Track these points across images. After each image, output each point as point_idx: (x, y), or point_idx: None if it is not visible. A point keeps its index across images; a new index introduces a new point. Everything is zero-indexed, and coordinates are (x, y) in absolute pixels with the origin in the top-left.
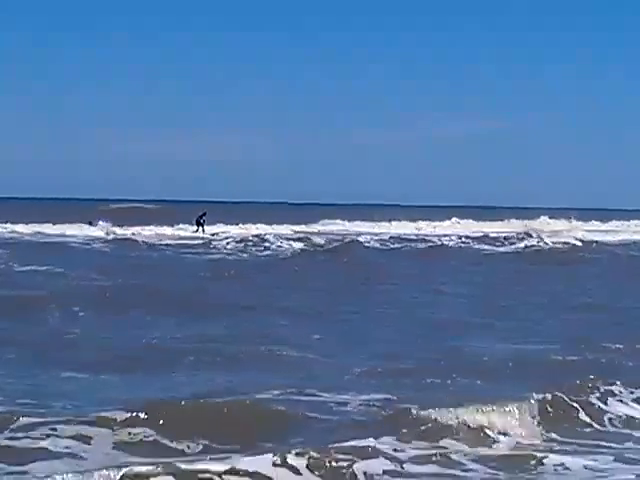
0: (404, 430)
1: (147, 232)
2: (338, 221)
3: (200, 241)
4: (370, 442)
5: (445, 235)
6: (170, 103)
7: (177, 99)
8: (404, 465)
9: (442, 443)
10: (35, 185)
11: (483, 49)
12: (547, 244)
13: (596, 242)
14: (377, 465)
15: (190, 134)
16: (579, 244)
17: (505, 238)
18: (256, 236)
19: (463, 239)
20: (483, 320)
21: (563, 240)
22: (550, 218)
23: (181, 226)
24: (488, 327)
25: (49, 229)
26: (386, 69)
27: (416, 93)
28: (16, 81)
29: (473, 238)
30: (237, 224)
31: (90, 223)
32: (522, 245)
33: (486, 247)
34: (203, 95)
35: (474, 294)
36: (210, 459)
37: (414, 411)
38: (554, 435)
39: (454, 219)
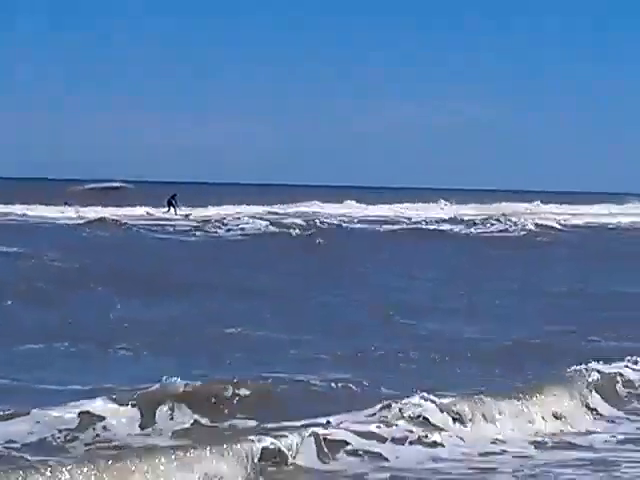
0: (363, 408)
1: (119, 212)
2: (315, 202)
3: (171, 222)
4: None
5: (420, 218)
6: (170, 89)
7: (177, 85)
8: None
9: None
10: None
11: (483, 37)
12: (517, 227)
13: (555, 227)
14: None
15: (191, 119)
16: (557, 226)
17: (474, 222)
18: (223, 217)
19: (438, 222)
20: (451, 304)
21: (538, 223)
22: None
23: (147, 207)
24: (455, 312)
25: (17, 210)
26: (386, 56)
27: (416, 80)
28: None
29: (447, 220)
30: (213, 205)
31: (66, 204)
32: (495, 228)
33: (464, 230)
34: (203, 81)
35: (445, 278)
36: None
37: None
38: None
39: (441, 202)
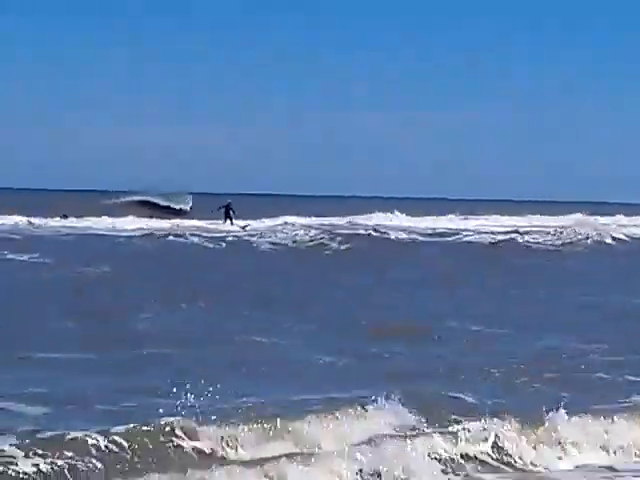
0: None
1: (175, 224)
2: (383, 214)
3: (229, 233)
4: None
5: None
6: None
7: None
8: None
9: None
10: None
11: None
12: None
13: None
14: None
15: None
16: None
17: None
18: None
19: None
20: (469, 317)
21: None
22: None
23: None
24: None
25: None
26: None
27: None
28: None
29: (512, 232)
30: (270, 217)
31: (64, 216)
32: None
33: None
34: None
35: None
36: None
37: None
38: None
39: (495, 216)
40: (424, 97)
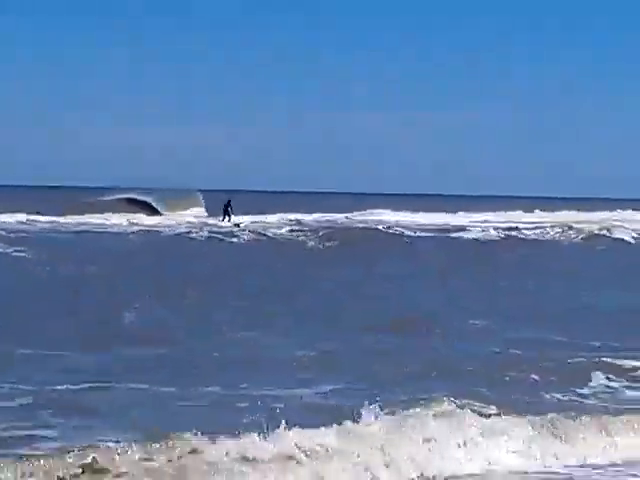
0: None
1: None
2: (381, 210)
3: (224, 229)
4: None
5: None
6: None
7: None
8: None
9: None
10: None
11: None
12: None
13: None
14: None
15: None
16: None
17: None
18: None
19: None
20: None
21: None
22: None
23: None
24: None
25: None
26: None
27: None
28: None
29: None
30: (265, 213)
31: (37, 213)
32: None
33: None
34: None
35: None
36: None
37: None
38: None
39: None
40: (424, 97)
